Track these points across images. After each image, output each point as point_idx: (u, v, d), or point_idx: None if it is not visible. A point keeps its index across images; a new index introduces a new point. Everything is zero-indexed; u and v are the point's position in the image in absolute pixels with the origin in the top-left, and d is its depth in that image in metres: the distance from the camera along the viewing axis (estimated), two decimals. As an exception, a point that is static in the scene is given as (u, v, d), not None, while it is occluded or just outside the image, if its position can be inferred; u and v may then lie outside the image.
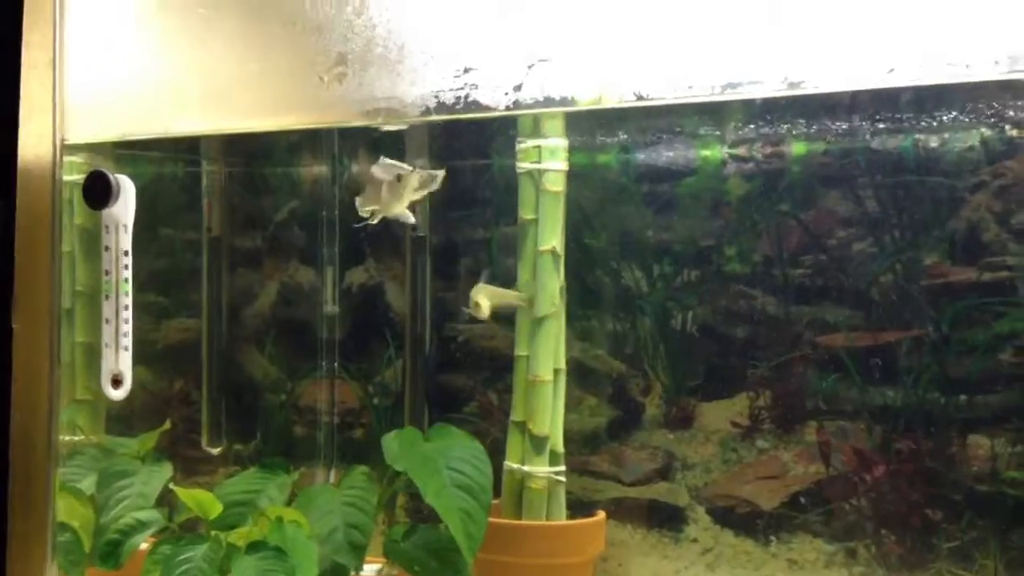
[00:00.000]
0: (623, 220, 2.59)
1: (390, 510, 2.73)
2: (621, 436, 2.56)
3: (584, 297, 2.58)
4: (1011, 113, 2.15)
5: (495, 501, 2.32)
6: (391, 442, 2.28)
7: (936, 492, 2.22)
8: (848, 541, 2.30)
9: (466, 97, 1.70)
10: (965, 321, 2.23)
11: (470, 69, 1.69)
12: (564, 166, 2.36)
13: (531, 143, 2.35)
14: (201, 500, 2.09)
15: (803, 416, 2.37)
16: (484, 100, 1.69)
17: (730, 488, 2.44)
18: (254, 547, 1.99)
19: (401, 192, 2.01)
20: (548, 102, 1.64)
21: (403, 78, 1.76)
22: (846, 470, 2.31)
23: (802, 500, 2.36)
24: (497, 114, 1.68)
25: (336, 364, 2.83)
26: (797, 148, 2.40)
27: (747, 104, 2.20)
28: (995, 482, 2.17)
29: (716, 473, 2.46)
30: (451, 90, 1.71)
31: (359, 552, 2.13)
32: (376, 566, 2.32)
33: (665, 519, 2.49)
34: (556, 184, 2.35)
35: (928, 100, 2.01)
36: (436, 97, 1.73)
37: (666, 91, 1.56)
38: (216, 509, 2.09)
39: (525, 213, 2.39)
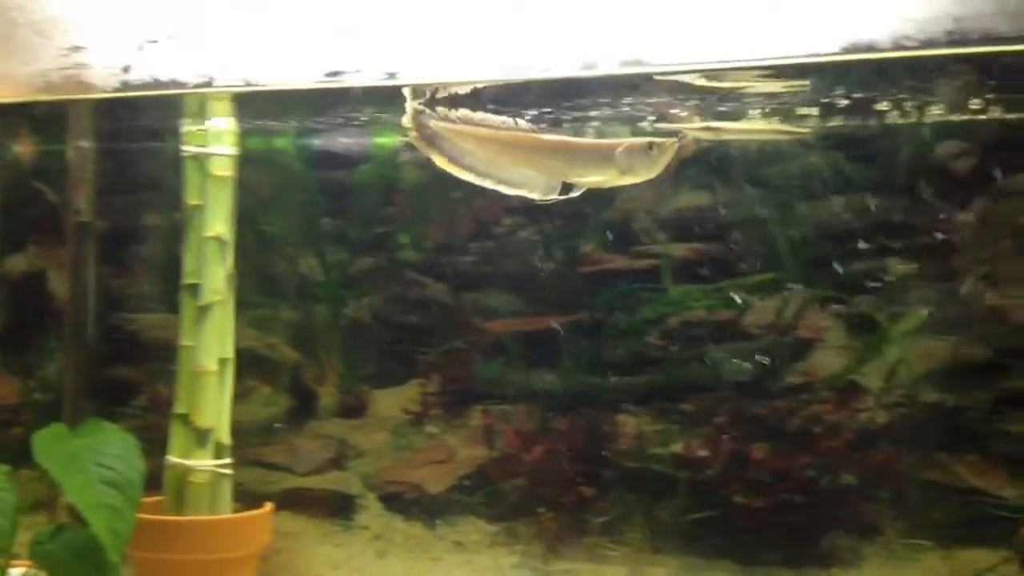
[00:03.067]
0: (299, 206, 2.56)
1: (51, 510, 2.58)
2: (295, 426, 2.53)
3: (259, 285, 2.53)
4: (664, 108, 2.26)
5: (159, 497, 2.24)
6: (39, 439, 2.15)
7: (589, 470, 2.33)
8: (510, 521, 2.37)
9: (75, 77, 1.62)
10: (617, 306, 2.34)
11: (79, 48, 1.61)
12: (232, 150, 2.29)
13: (196, 126, 2.27)
14: None
15: (470, 401, 2.43)
16: (94, 80, 1.61)
17: (401, 474, 2.46)
18: None
19: (655, 163, 1.71)
20: (157, 84, 1.59)
21: (16, 56, 1.65)
22: (508, 452, 2.38)
23: (467, 483, 2.41)
24: (104, 95, 1.62)
25: (-8, 358, 2.66)
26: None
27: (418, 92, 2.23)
28: (641, 458, 2.30)
29: (388, 460, 2.48)
30: (59, 69, 1.63)
31: (-5, 556, 1.99)
32: (22, 569, 2.18)
33: (337, 508, 2.48)
34: (223, 169, 2.28)
35: (581, 93, 2.08)
36: (44, 76, 1.63)
37: (274, 77, 1.55)
38: None
39: (190, 198, 2.31)
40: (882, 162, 2.24)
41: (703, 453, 2.26)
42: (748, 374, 2.24)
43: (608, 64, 1.44)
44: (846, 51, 1.31)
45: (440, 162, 1.73)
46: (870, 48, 1.29)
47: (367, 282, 2.51)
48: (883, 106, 2.11)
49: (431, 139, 1.71)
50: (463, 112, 1.71)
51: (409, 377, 2.47)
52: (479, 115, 1.70)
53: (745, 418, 2.25)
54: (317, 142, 2.54)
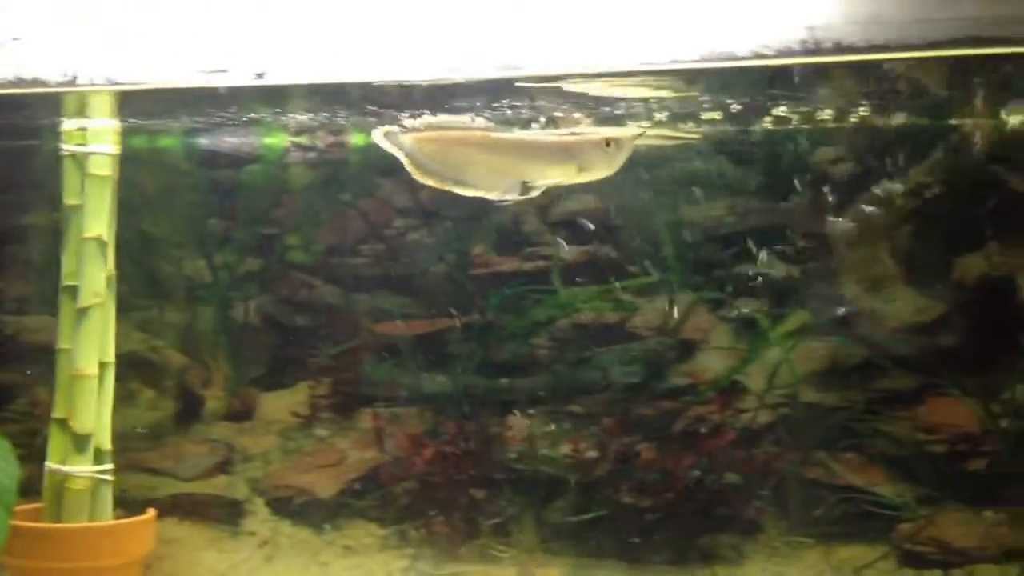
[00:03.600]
0: (185, 207, 2.51)
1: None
2: (180, 430, 2.48)
3: (144, 287, 2.48)
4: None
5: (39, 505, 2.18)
6: (-93, 447, 2.07)
7: (480, 472, 2.33)
8: (400, 524, 2.36)
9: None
10: (508, 308, 2.35)
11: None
12: (114, 149, 2.24)
13: (75, 124, 2.21)
14: None
15: (360, 403, 2.41)
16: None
17: (289, 478, 2.43)
18: None
19: (613, 159, 1.67)
20: (20, 82, 1.55)
21: None
22: (399, 455, 2.37)
23: (357, 486, 2.39)
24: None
25: None
26: (357, 138, 2.43)
27: (310, 92, 2.20)
28: (531, 460, 2.31)
29: (276, 464, 2.45)
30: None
31: None
32: None
33: (224, 513, 2.44)
34: (103, 168, 2.22)
35: (461, 96, 2.08)
36: None
37: (142, 76, 1.53)
38: None
39: (69, 198, 2.24)
40: (765, 166, 2.29)
41: (592, 454, 2.27)
42: (636, 375, 2.27)
43: (479, 68, 1.45)
44: (705, 59, 1.33)
45: (413, 172, 1.69)
46: (729, 57, 1.32)
47: (255, 284, 2.47)
48: (770, 112, 2.15)
49: (400, 146, 1.68)
50: (426, 118, 1.67)
51: (298, 380, 2.44)
52: (441, 118, 1.67)
53: (633, 419, 2.27)
54: (204, 141, 2.49)
